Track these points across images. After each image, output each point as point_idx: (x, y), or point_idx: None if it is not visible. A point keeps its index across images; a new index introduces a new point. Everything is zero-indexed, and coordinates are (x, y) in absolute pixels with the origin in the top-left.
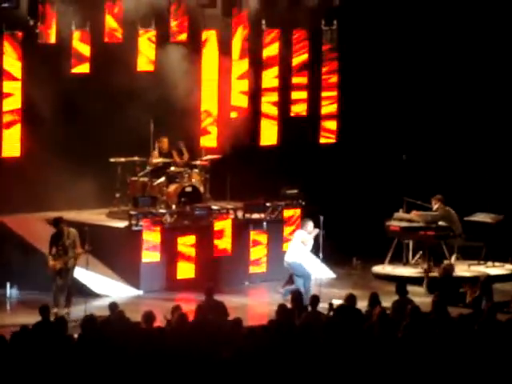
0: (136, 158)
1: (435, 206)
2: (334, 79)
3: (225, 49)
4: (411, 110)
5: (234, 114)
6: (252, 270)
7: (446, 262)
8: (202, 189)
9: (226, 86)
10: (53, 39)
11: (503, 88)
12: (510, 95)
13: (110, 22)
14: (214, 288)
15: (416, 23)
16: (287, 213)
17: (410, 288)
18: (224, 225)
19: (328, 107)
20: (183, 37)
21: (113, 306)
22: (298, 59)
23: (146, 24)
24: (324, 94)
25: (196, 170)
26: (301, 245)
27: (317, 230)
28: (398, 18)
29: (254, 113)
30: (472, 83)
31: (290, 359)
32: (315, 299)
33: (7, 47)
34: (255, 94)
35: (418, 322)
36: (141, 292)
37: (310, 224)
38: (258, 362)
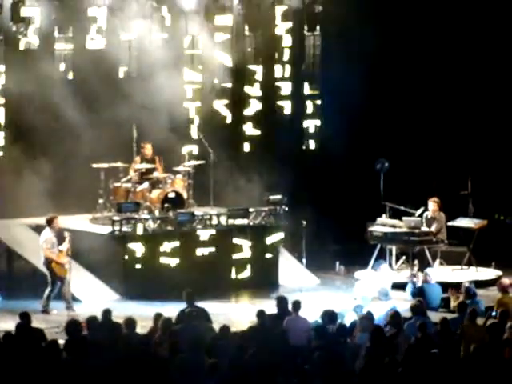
0: (119, 164)
1: (431, 209)
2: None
3: (209, 54)
4: (393, 115)
5: (218, 120)
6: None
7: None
8: (185, 194)
9: (210, 91)
10: (35, 44)
11: (488, 97)
12: (494, 103)
13: (93, 27)
14: (195, 294)
15: (399, 29)
16: None
17: (393, 293)
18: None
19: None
20: (166, 42)
21: (106, 313)
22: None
23: (128, 30)
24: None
25: (179, 176)
26: (367, 283)
27: (388, 273)
28: (382, 23)
29: (238, 118)
30: (451, 90)
31: (271, 363)
32: (297, 304)
33: None
34: (239, 100)
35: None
36: (123, 297)
37: (382, 266)
38: (242, 366)
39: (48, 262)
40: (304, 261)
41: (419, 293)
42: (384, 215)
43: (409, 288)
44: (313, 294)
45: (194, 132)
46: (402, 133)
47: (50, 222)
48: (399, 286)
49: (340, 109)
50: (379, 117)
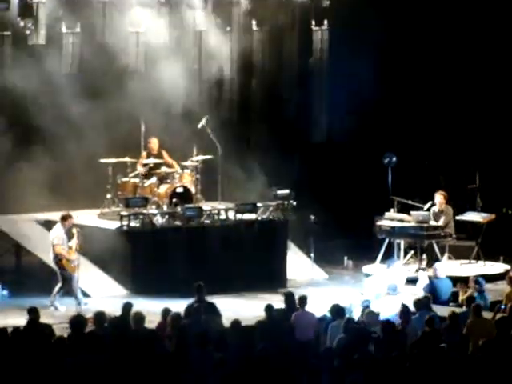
0: (127, 159)
1: (438, 202)
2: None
3: (215, 48)
4: (401, 109)
5: (225, 114)
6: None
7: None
8: (193, 189)
9: (217, 85)
10: (43, 40)
11: (496, 91)
12: (503, 97)
13: (100, 22)
14: (204, 287)
15: (408, 22)
16: None
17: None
18: None
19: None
20: (173, 35)
21: (127, 306)
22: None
23: (135, 24)
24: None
25: (187, 171)
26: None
27: (402, 271)
28: (389, 19)
29: (245, 113)
30: (459, 84)
31: (279, 358)
32: (303, 299)
33: None
34: (245, 94)
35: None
36: (131, 292)
37: (396, 263)
38: (248, 361)
39: (59, 259)
40: (312, 255)
41: (429, 287)
42: (392, 209)
43: (422, 283)
44: (321, 288)
45: (202, 127)
46: (409, 127)
47: (64, 219)
48: (407, 281)
49: (348, 103)
50: (387, 111)
